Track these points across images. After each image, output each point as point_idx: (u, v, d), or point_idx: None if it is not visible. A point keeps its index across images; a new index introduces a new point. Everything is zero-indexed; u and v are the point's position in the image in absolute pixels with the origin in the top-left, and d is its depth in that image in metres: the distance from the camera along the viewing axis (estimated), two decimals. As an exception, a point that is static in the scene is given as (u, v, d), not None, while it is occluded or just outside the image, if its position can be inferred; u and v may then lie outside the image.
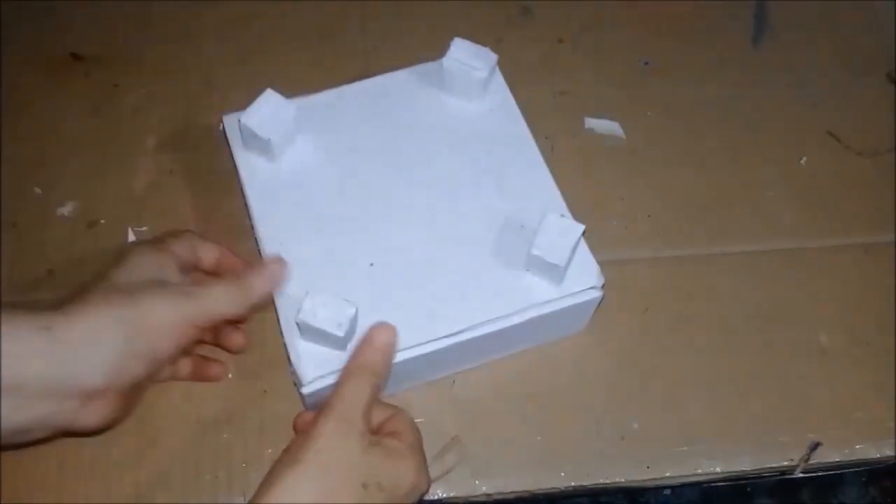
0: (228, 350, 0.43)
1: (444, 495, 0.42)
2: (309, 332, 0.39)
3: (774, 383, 0.45)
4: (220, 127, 0.47)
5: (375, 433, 0.37)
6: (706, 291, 0.48)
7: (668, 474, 0.43)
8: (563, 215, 0.41)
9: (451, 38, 0.46)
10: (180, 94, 0.54)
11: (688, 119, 0.54)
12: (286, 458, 0.34)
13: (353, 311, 0.38)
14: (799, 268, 0.49)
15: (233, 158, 0.45)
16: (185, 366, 0.43)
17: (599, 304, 0.43)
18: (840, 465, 0.44)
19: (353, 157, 0.45)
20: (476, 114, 0.46)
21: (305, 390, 0.39)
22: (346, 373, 0.37)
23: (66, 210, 0.49)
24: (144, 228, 0.49)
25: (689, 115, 0.54)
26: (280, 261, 0.39)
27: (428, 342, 0.40)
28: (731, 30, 0.58)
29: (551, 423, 0.43)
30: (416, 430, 0.38)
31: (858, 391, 0.45)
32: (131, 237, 0.48)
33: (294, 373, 0.40)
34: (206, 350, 0.44)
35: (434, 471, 0.42)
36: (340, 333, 0.38)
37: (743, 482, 0.44)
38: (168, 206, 0.49)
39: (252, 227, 0.43)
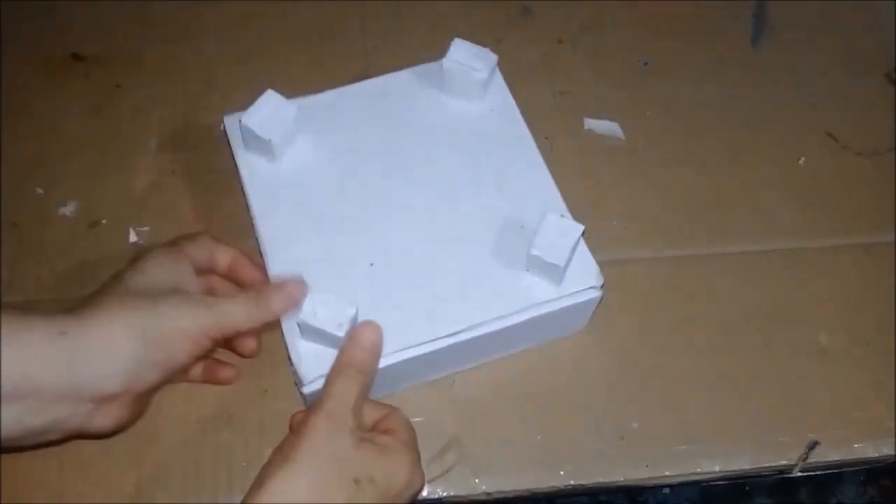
0: (240, 355, 0.43)
1: (444, 494, 0.42)
2: (309, 331, 0.39)
3: (774, 383, 0.45)
4: (221, 127, 0.47)
5: (370, 432, 0.37)
6: (706, 291, 0.48)
7: (667, 473, 0.43)
8: (562, 215, 0.41)
9: (451, 39, 0.46)
10: (181, 95, 0.54)
11: (688, 119, 0.54)
12: (277, 456, 0.35)
13: (354, 311, 0.38)
14: (799, 268, 0.49)
15: (233, 159, 0.45)
16: (197, 369, 0.43)
17: (599, 304, 0.43)
18: (839, 465, 0.44)
19: (354, 158, 0.45)
20: (476, 114, 0.47)
21: (306, 390, 0.39)
22: (335, 371, 0.37)
23: (66, 210, 0.49)
24: (145, 228, 0.49)
25: (688, 115, 0.54)
26: (300, 281, 0.39)
27: (428, 342, 0.40)
28: (730, 30, 0.58)
29: (551, 423, 0.43)
30: (410, 428, 0.38)
31: (858, 391, 0.45)
32: (132, 237, 0.48)
33: (295, 372, 0.40)
34: (217, 353, 0.44)
35: (434, 470, 0.42)
36: (341, 333, 0.38)
37: (742, 481, 0.44)
38: (169, 206, 0.49)
39: (253, 227, 0.43)
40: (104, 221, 0.49)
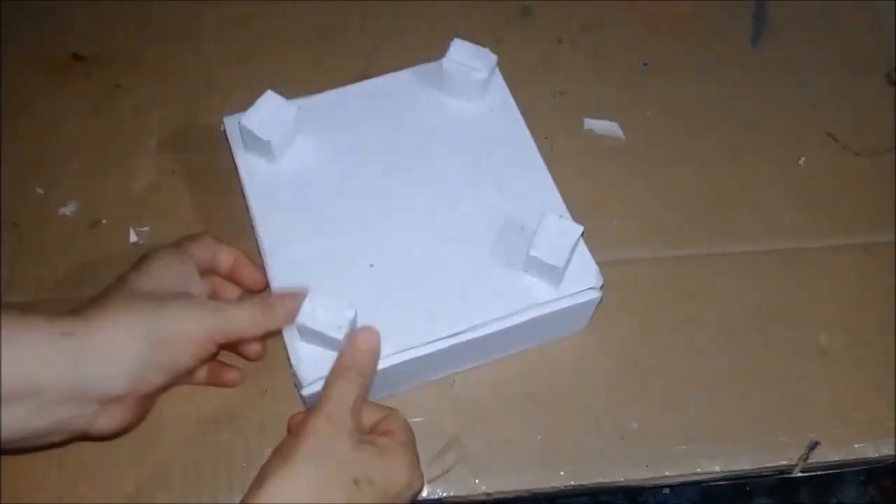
0: (246, 358, 0.43)
1: (444, 494, 0.42)
2: (308, 334, 0.39)
3: (774, 383, 0.45)
4: (221, 127, 0.47)
5: (369, 434, 0.37)
6: (706, 291, 0.48)
7: (667, 474, 0.43)
8: (561, 216, 0.41)
9: (451, 39, 0.46)
10: (181, 95, 0.54)
11: (687, 119, 0.54)
12: (277, 457, 0.35)
13: (353, 313, 0.38)
14: (799, 268, 0.49)
15: (233, 159, 0.45)
16: (202, 371, 0.43)
17: (599, 304, 0.43)
18: (839, 465, 0.44)
19: (353, 158, 0.45)
20: (476, 114, 0.47)
21: (305, 392, 0.39)
22: (334, 374, 0.37)
23: (67, 210, 0.49)
24: (145, 228, 0.49)
25: (688, 115, 0.54)
26: (306, 294, 0.39)
27: (428, 343, 0.40)
28: (730, 30, 0.58)
29: (551, 423, 0.43)
30: (409, 429, 0.38)
31: (858, 391, 0.45)
32: (132, 237, 0.48)
33: (294, 374, 0.40)
34: (221, 355, 0.44)
35: (434, 470, 0.42)
36: (339, 336, 0.38)
37: (742, 481, 0.44)
38: (169, 206, 0.50)
39: (252, 228, 0.43)
40: (104, 221, 0.49)
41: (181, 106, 0.53)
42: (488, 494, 0.42)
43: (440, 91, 0.47)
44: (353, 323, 0.39)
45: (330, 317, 0.38)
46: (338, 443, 0.35)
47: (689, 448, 0.43)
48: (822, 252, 0.49)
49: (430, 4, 0.57)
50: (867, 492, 0.52)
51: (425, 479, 0.40)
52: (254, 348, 0.43)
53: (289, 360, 0.40)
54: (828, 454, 0.43)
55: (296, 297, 0.38)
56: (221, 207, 0.49)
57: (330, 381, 0.37)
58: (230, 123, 0.45)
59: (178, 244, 0.41)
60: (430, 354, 0.40)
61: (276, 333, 0.40)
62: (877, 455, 0.43)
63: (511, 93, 0.47)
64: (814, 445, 0.43)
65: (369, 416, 0.38)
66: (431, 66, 0.47)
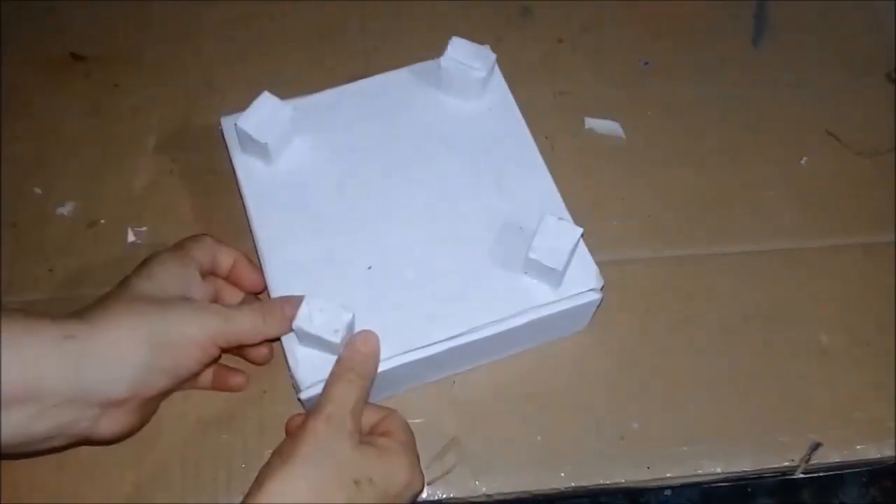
0: (252, 362, 0.43)
1: (444, 496, 0.42)
2: (306, 338, 0.39)
3: (774, 383, 0.45)
4: (220, 128, 0.47)
5: (368, 435, 0.37)
6: (706, 291, 0.48)
7: (668, 475, 0.43)
8: (561, 218, 0.41)
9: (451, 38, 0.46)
10: (180, 94, 0.54)
11: (688, 119, 0.54)
12: (276, 458, 0.35)
13: (350, 316, 0.38)
14: (799, 268, 0.49)
15: (230, 160, 0.45)
16: (206, 375, 0.43)
17: (599, 305, 0.43)
18: (841, 466, 0.44)
19: (351, 158, 0.45)
20: (475, 113, 0.46)
21: (304, 395, 0.39)
22: (334, 375, 0.37)
23: (65, 210, 0.49)
24: (144, 228, 0.49)
25: (689, 115, 0.54)
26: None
27: (427, 345, 0.40)
28: (731, 30, 0.58)
29: (551, 424, 0.43)
30: (408, 430, 0.38)
31: (858, 391, 0.45)
32: (131, 237, 0.48)
33: (292, 377, 0.39)
34: (227, 359, 0.44)
35: (434, 471, 0.42)
36: (337, 340, 0.38)
37: (744, 482, 0.44)
38: (168, 207, 0.49)
39: (250, 230, 0.43)
40: (103, 221, 0.49)
41: (180, 106, 0.53)
42: (488, 496, 0.42)
43: (438, 90, 0.47)
44: (351, 326, 0.39)
45: (327, 320, 0.38)
46: (338, 444, 0.35)
47: (690, 449, 0.43)
48: (822, 252, 0.49)
49: (430, 4, 0.57)
50: (869, 493, 0.52)
51: (425, 480, 0.40)
52: (261, 352, 0.42)
53: (287, 363, 0.39)
54: (829, 455, 0.43)
55: (297, 303, 0.38)
56: (220, 207, 0.49)
57: (330, 382, 0.37)
58: (227, 124, 0.45)
59: (180, 247, 0.41)
60: (429, 356, 0.40)
61: (278, 338, 0.40)
62: (878, 456, 0.43)
63: (511, 92, 0.47)
64: (816, 446, 0.43)
65: (368, 417, 0.38)
66: (429, 64, 0.47)
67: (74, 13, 0.57)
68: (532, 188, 0.44)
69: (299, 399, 0.40)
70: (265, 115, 0.43)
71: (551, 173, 0.44)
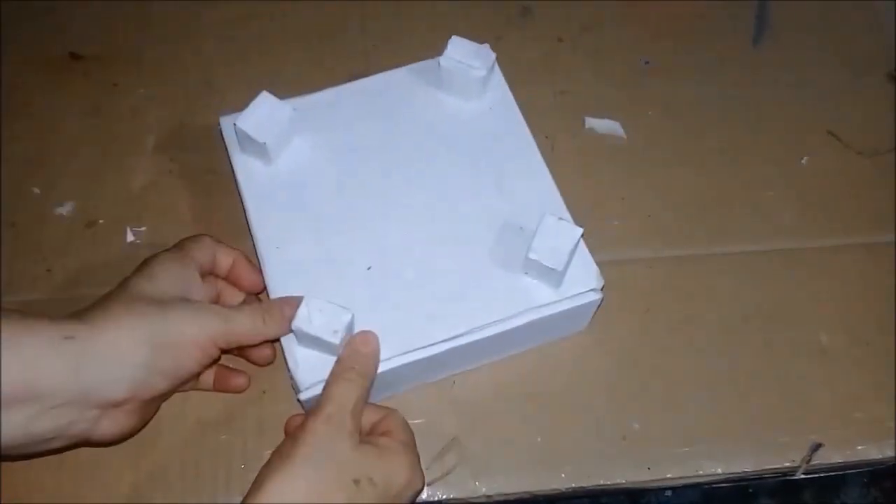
0: (255, 363, 0.43)
1: (444, 496, 0.42)
2: (305, 338, 0.39)
3: (775, 383, 0.45)
4: (219, 127, 0.46)
5: (368, 434, 0.37)
6: (706, 291, 0.48)
7: (669, 475, 0.43)
8: (561, 218, 0.41)
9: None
10: (180, 94, 0.54)
11: (688, 119, 0.54)
12: (276, 458, 0.35)
13: (349, 317, 0.38)
14: (799, 268, 0.48)
15: (229, 161, 0.45)
16: (208, 376, 0.43)
17: (599, 305, 0.43)
18: (841, 466, 0.44)
19: (351, 157, 0.45)
20: (475, 113, 0.46)
21: (303, 396, 0.39)
22: (334, 375, 0.37)
23: (64, 210, 0.49)
24: (143, 228, 0.49)
25: (689, 114, 0.54)
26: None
27: (427, 346, 0.40)
28: (731, 29, 0.57)
29: (551, 424, 0.43)
30: (408, 429, 0.38)
31: (858, 391, 0.45)
32: (130, 237, 0.48)
33: (292, 378, 0.39)
34: (230, 361, 0.43)
35: (434, 472, 0.42)
36: (336, 341, 0.38)
37: (744, 483, 0.44)
38: (167, 206, 0.49)
39: (249, 230, 0.43)
40: (101, 221, 0.49)
41: (180, 106, 0.53)
42: (488, 496, 0.42)
43: (438, 89, 0.47)
44: (350, 327, 0.39)
45: (326, 321, 0.38)
46: (338, 444, 0.35)
47: (691, 449, 0.43)
48: (822, 252, 0.49)
49: (430, 4, 0.57)
50: (870, 493, 0.52)
51: (426, 481, 0.40)
52: (264, 353, 0.42)
53: (286, 364, 0.39)
54: (830, 456, 0.43)
55: (298, 304, 0.38)
56: (219, 208, 0.49)
57: (330, 382, 0.37)
58: (226, 124, 0.45)
59: (180, 247, 0.41)
60: (430, 357, 0.40)
61: (278, 339, 0.40)
62: (879, 456, 0.43)
63: (511, 92, 0.47)
64: (817, 447, 0.43)
65: (368, 417, 0.38)
66: (429, 63, 0.47)
67: (74, 13, 0.57)
68: (532, 188, 0.44)
69: (299, 400, 0.39)
70: (264, 115, 0.43)
71: (551, 173, 0.44)
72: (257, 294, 0.44)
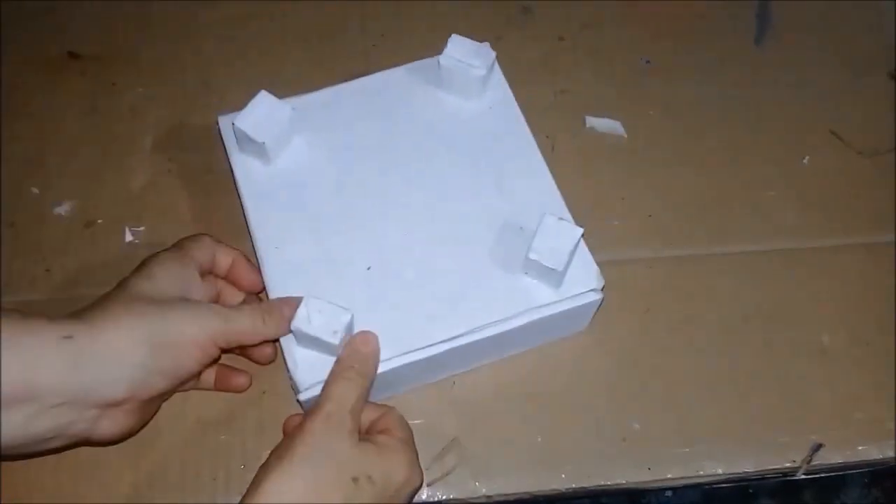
0: (256, 362, 0.43)
1: (444, 497, 0.42)
2: (304, 339, 0.38)
3: (774, 383, 0.45)
4: (217, 127, 0.46)
5: (366, 432, 0.37)
6: (706, 291, 0.47)
7: (669, 476, 0.43)
8: (561, 218, 0.40)
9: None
10: (178, 94, 0.53)
11: (689, 119, 0.53)
12: (274, 458, 0.34)
13: (349, 317, 0.38)
14: (799, 268, 0.48)
15: (228, 160, 0.45)
16: (209, 376, 0.43)
17: (600, 305, 0.43)
18: (842, 467, 0.44)
19: (350, 157, 0.45)
20: (475, 112, 0.46)
21: (302, 397, 0.39)
22: (334, 374, 0.37)
23: (63, 210, 0.49)
24: (141, 228, 0.49)
25: (690, 114, 0.54)
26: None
27: (427, 347, 0.40)
28: (732, 29, 0.57)
29: (552, 424, 0.43)
30: (406, 426, 0.38)
31: (858, 391, 0.45)
32: (128, 237, 0.48)
33: (291, 378, 0.39)
34: (231, 360, 0.43)
35: (434, 472, 0.42)
36: (335, 341, 0.37)
37: (745, 483, 0.44)
38: (166, 206, 0.49)
39: (248, 230, 0.43)
40: (100, 221, 0.49)
41: (179, 105, 0.53)
42: (488, 497, 0.42)
43: (438, 88, 0.46)
44: (350, 327, 0.38)
45: (325, 321, 0.38)
46: (336, 443, 0.35)
47: (691, 449, 0.43)
48: (823, 252, 0.49)
49: (430, 4, 0.57)
50: (871, 493, 0.52)
51: (425, 481, 0.40)
52: (265, 352, 0.42)
53: (286, 364, 0.39)
54: (831, 456, 0.43)
55: (297, 304, 0.38)
56: (218, 207, 0.49)
57: (330, 381, 0.37)
58: (224, 123, 0.45)
59: (179, 247, 0.41)
60: (429, 357, 0.40)
61: (278, 339, 0.40)
62: (880, 457, 0.43)
63: (511, 91, 0.47)
64: (817, 447, 0.43)
65: (366, 415, 0.38)
66: (429, 62, 0.47)
67: (73, 12, 0.57)
68: (532, 188, 0.44)
69: (298, 400, 0.39)
70: (263, 115, 0.43)
71: (551, 173, 0.44)
72: (257, 294, 0.44)
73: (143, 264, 0.39)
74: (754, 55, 0.56)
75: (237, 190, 0.44)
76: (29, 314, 0.35)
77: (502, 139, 0.45)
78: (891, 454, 0.43)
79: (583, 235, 0.40)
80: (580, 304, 0.41)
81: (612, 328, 0.46)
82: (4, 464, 0.41)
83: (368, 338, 0.39)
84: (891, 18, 0.58)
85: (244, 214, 0.44)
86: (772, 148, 0.53)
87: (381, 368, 0.39)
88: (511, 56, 0.49)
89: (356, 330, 0.39)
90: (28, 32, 0.56)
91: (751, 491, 0.51)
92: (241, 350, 0.42)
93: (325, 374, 0.38)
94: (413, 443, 0.38)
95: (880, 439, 0.43)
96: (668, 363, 0.45)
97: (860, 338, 0.46)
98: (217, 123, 0.46)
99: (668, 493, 0.51)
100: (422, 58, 0.47)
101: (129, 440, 0.41)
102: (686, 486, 0.43)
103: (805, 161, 0.52)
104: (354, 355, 0.38)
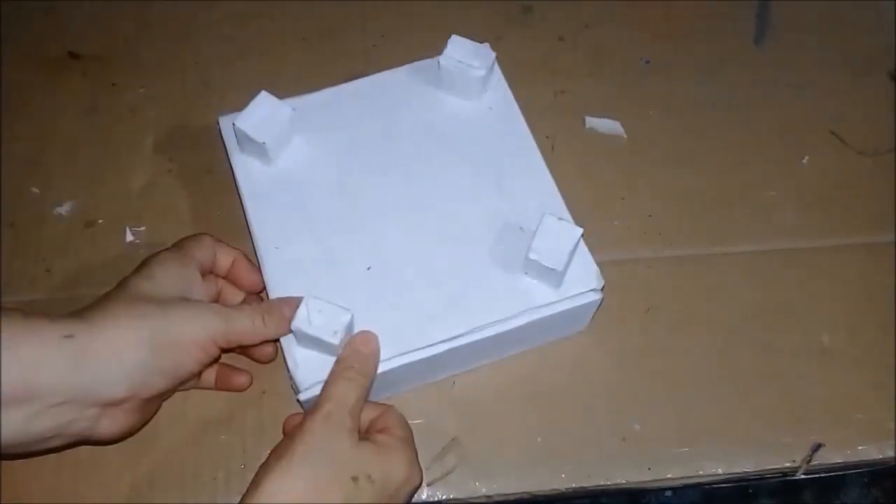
0: (257, 361, 0.43)
1: (444, 497, 0.42)
2: (304, 339, 0.38)
3: (774, 383, 0.45)
4: (218, 127, 0.46)
5: (366, 432, 0.37)
6: (706, 291, 0.47)
7: (669, 475, 0.43)
8: (561, 218, 0.40)
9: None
10: (178, 94, 0.53)
11: (689, 118, 0.53)
12: (273, 458, 0.34)
13: (349, 317, 0.38)
14: (799, 268, 0.48)
15: (228, 160, 0.45)
16: (210, 375, 0.43)
17: (600, 305, 0.43)
18: (842, 467, 0.44)
19: (350, 157, 0.45)
20: (475, 112, 0.46)
21: (302, 397, 0.39)
22: (334, 374, 0.37)
23: (63, 210, 0.49)
24: (142, 228, 0.49)
25: (690, 114, 0.54)
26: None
27: (427, 347, 0.40)
28: (732, 29, 0.57)
29: (552, 424, 0.43)
30: (406, 425, 0.38)
31: (859, 391, 0.45)
32: (129, 237, 0.48)
33: (291, 378, 0.39)
34: (232, 359, 0.43)
35: (434, 472, 0.42)
36: (335, 341, 0.37)
37: (745, 483, 0.44)
38: (166, 206, 0.49)
39: (248, 230, 0.43)
40: (100, 221, 0.49)
41: (178, 105, 0.53)
42: (488, 497, 0.42)
43: (438, 88, 0.47)
44: (350, 327, 0.38)
45: (325, 321, 0.38)
46: (336, 442, 0.35)
47: (691, 449, 0.43)
48: (823, 252, 0.49)
49: (430, 4, 0.57)
50: (871, 493, 0.52)
51: (425, 481, 0.40)
52: (266, 351, 0.42)
53: (286, 364, 0.39)
54: (830, 456, 0.43)
55: (298, 304, 0.38)
56: (218, 207, 0.49)
57: (330, 381, 0.37)
58: (225, 123, 0.45)
59: (180, 247, 0.41)
60: (429, 357, 0.40)
61: (278, 339, 0.40)
62: (880, 457, 0.43)
63: (511, 91, 0.47)
64: (817, 447, 0.43)
65: (366, 414, 0.38)
66: (429, 62, 0.47)
67: (73, 12, 0.57)
68: (532, 188, 0.44)
69: (298, 400, 0.39)
70: (263, 115, 0.43)
71: (551, 173, 0.44)
72: (258, 293, 0.44)
73: (144, 264, 0.39)
74: (754, 55, 0.56)
75: (237, 190, 0.44)
76: (30, 313, 0.35)
77: (502, 139, 0.45)
78: (891, 454, 0.43)
79: (583, 235, 0.40)
80: (580, 304, 0.41)
81: (612, 328, 0.46)
82: (4, 463, 0.41)
83: (368, 338, 0.39)
84: (891, 18, 0.58)
85: (244, 214, 0.44)
86: (772, 148, 0.53)
87: (381, 368, 0.39)
88: (511, 56, 0.49)
89: (356, 330, 0.39)
90: (28, 32, 0.56)
91: (751, 491, 0.51)
92: (242, 349, 0.42)
93: (325, 374, 0.38)
94: (413, 442, 0.38)
95: (880, 439, 0.44)
96: (668, 363, 0.45)
97: (860, 338, 0.46)
98: (217, 123, 0.46)
99: (668, 493, 0.51)
100: (422, 58, 0.47)
101: (129, 440, 0.41)
102: (686, 486, 0.43)
103: (805, 161, 0.52)
104: (354, 355, 0.38)
